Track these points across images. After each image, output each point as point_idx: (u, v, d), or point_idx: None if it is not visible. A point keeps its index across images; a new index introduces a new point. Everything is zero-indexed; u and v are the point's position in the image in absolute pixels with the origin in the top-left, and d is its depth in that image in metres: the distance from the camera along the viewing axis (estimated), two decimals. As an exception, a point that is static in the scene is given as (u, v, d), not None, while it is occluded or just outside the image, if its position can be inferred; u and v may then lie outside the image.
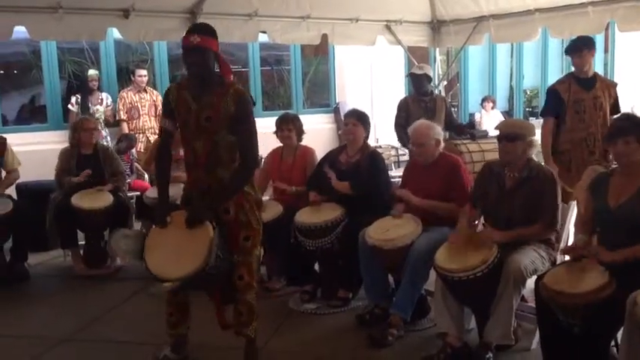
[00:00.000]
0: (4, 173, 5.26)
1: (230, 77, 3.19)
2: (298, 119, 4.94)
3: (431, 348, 3.48)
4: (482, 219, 3.68)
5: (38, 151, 6.42)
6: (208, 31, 3.10)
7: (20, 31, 5.33)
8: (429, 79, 5.99)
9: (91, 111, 7.09)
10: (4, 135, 5.47)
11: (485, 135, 5.84)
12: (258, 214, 3.27)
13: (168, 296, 3.32)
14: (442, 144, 4.04)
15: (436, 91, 7.09)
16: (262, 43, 8.09)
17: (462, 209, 3.68)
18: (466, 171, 4.02)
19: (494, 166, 3.65)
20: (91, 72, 7.46)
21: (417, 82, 5.91)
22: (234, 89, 3.12)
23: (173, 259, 3.00)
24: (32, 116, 9.00)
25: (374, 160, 4.37)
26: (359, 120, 4.43)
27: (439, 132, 4.04)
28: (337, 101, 9.86)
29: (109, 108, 7.34)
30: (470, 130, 5.92)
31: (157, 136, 6.69)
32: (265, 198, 4.97)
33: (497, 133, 3.61)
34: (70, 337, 3.95)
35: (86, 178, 5.21)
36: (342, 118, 9.17)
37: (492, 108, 10.33)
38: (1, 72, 7.80)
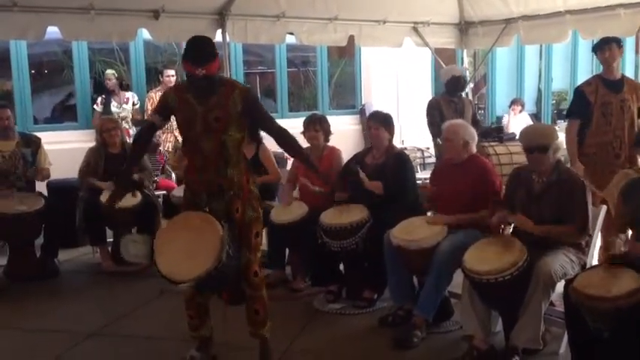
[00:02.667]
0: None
1: None
2: (326, 120, 4.94)
3: (456, 350, 3.46)
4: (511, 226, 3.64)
5: (68, 149, 6.50)
6: (211, 57, 3.05)
7: (53, 31, 5.44)
8: (460, 80, 6.01)
9: (116, 111, 7.16)
10: (36, 134, 5.59)
11: (513, 137, 5.79)
12: (260, 210, 3.34)
13: (187, 299, 3.32)
14: (472, 147, 3.97)
15: (463, 94, 7.06)
16: (289, 44, 8.13)
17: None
18: (496, 174, 3.97)
19: (522, 172, 3.61)
20: (108, 71, 7.50)
21: (457, 83, 5.90)
22: (239, 89, 3.17)
23: (184, 259, 2.99)
24: (63, 115, 9.15)
25: (400, 161, 4.36)
26: (381, 123, 4.41)
27: (471, 135, 3.98)
28: (363, 102, 9.86)
29: (136, 107, 7.42)
30: (497, 132, 5.87)
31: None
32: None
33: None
34: (97, 332, 4.00)
35: (109, 188, 5.21)
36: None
37: (520, 111, 10.21)
38: (33, 72, 7.93)
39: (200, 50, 3.07)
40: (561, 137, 3.58)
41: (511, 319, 3.33)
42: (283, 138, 3.35)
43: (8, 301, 4.66)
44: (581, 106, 4.67)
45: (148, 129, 3.39)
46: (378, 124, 4.41)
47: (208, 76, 3.05)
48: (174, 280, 2.96)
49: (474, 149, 4.01)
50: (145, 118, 7.43)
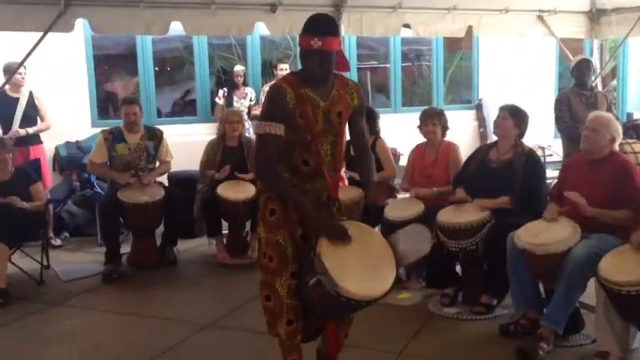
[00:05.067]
0: (157, 164, 5.55)
1: (345, 71, 2.82)
2: (444, 114, 4.76)
3: (588, 367, 3.18)
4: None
5: (188, 142, 6.71)
6: (330, 31, 2.63)
7: (175, 28, 5.62)
8: (589, 65, 5.61)
9: (235, 105, 7.32)
10: (159, 127, 5.80)
11: (653, 134, 5.30)
12: None
13: (289, 340, 2.79)
14: (616, 145, 3.63)
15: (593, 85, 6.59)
16: (403, 37, 7.95)
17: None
18: (639, 174, 3.60)
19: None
20: (237, 67, 7.72)
21: (577, 70, 5.56)
22: (352, 82, 2.87)
23: (368, 275, 2.58)
24: (183, 109, 9.53)
25: (531, 162, 4.05)
26: (510, 113, 4.17)
27: (618, 131, 3.63)
28: (480, 98, 9.46)
29: (252, 103, 7.56)
30: (634, 130, 5.40)
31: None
32: (407, 195, 4.84)
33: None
34: (211, 323, 4.06)
35: (226, 174, 5.38)
36: (484, 115, 8.89)
37: (656, 106, 9.39)
38: (157, 68, 8.30)
39: (321, 21, 2.67)
40: None
41: (654, 336, 3.00)
42: (363, 152, 2.96)
43: (130, 288, 4.89)
44: None
45: (277, 149, 2.66)
46: (507, 112, 4.18)
47: (324, 52, 2.59)
48: (370, 300, 2.54)
49: (617, 147, 3.66)
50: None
